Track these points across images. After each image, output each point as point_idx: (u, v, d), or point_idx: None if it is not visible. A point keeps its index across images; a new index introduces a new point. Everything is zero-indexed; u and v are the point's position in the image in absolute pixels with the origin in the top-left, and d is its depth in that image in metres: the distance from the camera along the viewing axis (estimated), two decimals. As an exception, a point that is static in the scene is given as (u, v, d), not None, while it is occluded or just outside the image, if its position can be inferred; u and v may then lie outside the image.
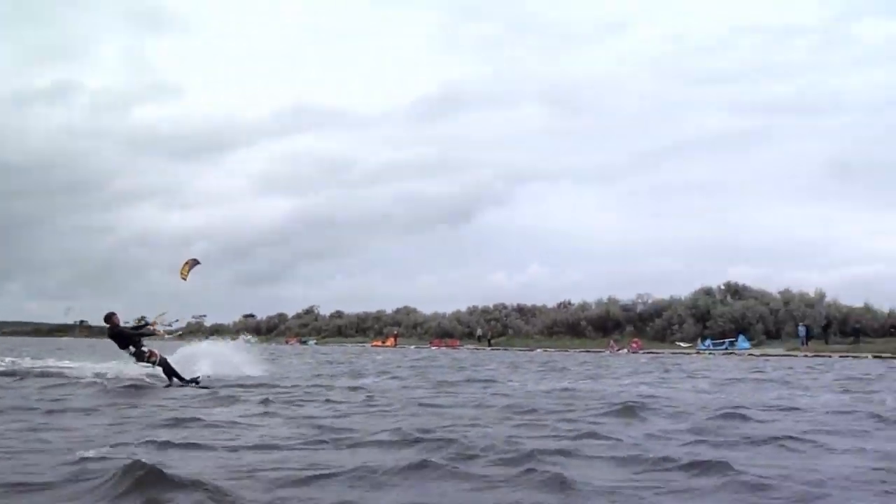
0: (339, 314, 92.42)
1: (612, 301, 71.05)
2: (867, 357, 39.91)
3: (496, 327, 74.54)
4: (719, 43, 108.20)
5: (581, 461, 6.68)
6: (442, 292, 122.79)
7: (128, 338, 15.67)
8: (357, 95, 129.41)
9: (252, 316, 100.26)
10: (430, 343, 68.98)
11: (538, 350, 55.38)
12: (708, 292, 65.40)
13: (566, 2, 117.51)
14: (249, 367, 18.38)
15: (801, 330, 51.46)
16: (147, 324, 16.63)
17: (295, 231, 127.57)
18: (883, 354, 40.83)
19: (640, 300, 69.77)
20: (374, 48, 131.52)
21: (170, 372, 15.41)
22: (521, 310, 78.87)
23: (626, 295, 71.12)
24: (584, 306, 73.00)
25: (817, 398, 13.72)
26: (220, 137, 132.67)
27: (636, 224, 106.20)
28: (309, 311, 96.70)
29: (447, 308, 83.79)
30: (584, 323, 69.04)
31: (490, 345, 64.67)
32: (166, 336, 17.38)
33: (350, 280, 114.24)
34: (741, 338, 54.07)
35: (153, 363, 15.47)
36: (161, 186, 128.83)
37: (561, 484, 5.75)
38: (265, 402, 11.65)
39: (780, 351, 47.39)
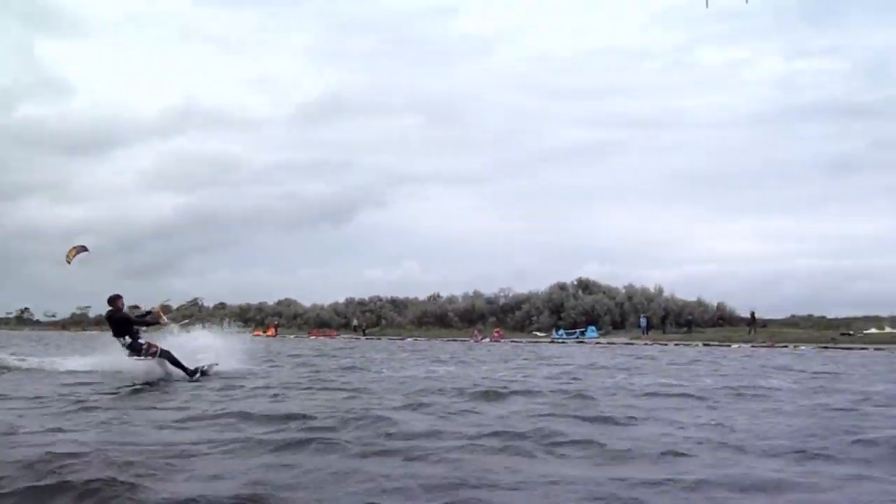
0: (222, 305, 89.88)
1: (477, 294, 72.69)
2: (698, 345, 42.22)
3: (371, 318, 74.64)
4: (578, 63, 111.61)
5: (449, 439, 6.79)
6: (321, 286, 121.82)
7: (130, 325, 13.65)
8: (244, 99, 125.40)
9: (137, 307, 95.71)
10: (309, 333, 68.09)
11: (409, 339, 55.62)
12: (562, 287, 67.81)
13: (441, 21, 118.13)
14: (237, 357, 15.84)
15: (643, 321, 54.03)
16: (149, 312, 14.51)
17: (182, 226, 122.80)
18: (711, 342, 43.41)
19: (502, 294, 71.76)
20: (261, 54, 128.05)
21: (174, 363, 13.51)
22: (394, 302, 79.31)
23: (489, 289, 73.18)
24: (451, 299, 74.42)
25: (655, 380, 14.47)
26: (108, 135, 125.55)
27: (500, 225, 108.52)
28: (193, 303, 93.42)
29: (326, 300, 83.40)
30: (451, 314, 70.23)
31: (365, 334, 64.53)
32: (172, 326, 15.11)
33: (234, 274, 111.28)
34: (590, 328, 56.24)
35: (153, 355, 13.46)
36: (48, 181, 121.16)
37: (430, 457, 5.87)
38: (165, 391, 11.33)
39: (625, 339, 49.51)
